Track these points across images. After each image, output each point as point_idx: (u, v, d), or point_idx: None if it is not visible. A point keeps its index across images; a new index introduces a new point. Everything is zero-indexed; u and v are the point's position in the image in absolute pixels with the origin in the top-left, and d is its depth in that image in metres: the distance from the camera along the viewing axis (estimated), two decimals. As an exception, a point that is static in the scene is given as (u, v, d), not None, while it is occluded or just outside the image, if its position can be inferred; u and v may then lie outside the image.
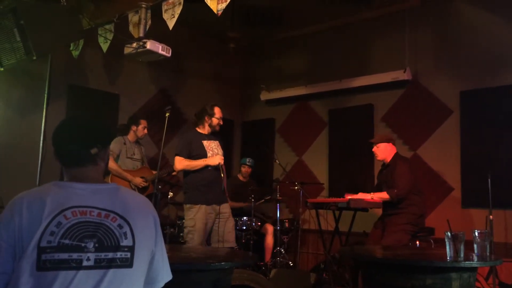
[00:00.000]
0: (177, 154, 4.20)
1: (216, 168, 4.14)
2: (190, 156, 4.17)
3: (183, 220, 5.23)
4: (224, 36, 6.40)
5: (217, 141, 4.35)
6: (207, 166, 4.13)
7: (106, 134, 1.63)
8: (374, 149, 4.44)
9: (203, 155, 4.17)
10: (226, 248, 4.07)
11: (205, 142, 4.24)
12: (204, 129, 4.31)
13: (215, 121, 4.28)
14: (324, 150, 6.18)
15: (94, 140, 1.53)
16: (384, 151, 4.38)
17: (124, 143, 4.95)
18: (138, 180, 4.86)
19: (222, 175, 4.12)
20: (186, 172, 4.21)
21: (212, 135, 4.34)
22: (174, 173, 5.12)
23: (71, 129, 1.56)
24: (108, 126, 1.67)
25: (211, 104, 4.34)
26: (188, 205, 4.12)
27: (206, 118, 4.28)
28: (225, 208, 4.21)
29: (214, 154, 4.21)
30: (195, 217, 4.04)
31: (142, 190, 4.86)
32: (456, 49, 5.15)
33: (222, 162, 4.16)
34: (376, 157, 4.47)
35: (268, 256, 5.54)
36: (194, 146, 4.19)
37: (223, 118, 4.41)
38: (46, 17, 3.43)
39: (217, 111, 4.30)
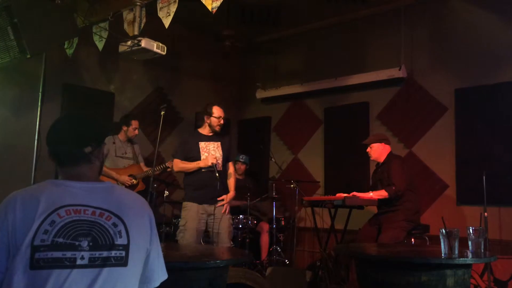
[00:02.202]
0: (173, 156, 4.25)
1: (210, 169, 4.08)
2: (186, 158, 4.17)
3: (179, 219, 5.26)
4: (219, 34, 6.38)
5: (219, 142, 4.27)
6: (201, 168, 4.11)
7: (100, 132, 1.62)
8: (368, 149, 4.49)
9: (197, 157, 4.14)
10: (222, 247, 4.07)
11: (202, 144, 4.20)
12: (205, 130, 4.27)
13: (214, 120, 4.21)
14: (320, 148, 6.19)
15: (88, 139, 1.52)
16: (376, 151, 4.44)
17: (114, 142, 4.94)
18: (125, 178, 4.86)
19: (216, 175, 4.05)
20: (184, 174, 4.24)
21: (214, 136, 4.27)
22: (169, 169, 5.12)
23: (65, 129, 1.55)
24: (102, 125, 1.66)
25: (210, 104, 4.28)
26: (183, 203, 4.18)
27: (205, 118, 4.24)
28: (219, 209, 4.15)
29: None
30: (186, 216, 4.08)
31: (130, 187, 4.85)
32: (451, 47, 5.17)
33: (215, 161, 4.08)
34: (370, 157, 4.53)
35: (264, 254, 5.55)
36: (189, 148, 4.18)
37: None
38: (41, 15, 3.40)
39: (216, 110, 4.22)
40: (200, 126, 4.33)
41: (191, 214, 4.06)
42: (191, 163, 4.14)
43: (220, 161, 4.19)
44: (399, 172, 4.20)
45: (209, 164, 4.06)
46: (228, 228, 4.20)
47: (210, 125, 4.23)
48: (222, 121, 4.25)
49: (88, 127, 1.59)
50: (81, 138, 1.52)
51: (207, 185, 4.09)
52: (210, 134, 4.26)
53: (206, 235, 4.31)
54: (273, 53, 6.83)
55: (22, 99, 4.75)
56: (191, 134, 4.35)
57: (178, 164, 4.19)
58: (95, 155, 1.54)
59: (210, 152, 4.18)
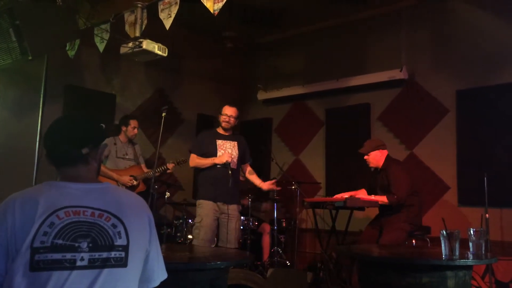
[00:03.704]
0: (190, 151, 4.36)
1: (225, 166, 4.19)
2: (202, 154, 4.28)
3: (180, 221, 5.26)
4: (221, 36, 6.40)
5: (235, 142, 4.39)
6: (216, 164, 4.20)
7: (98, 133, 1.61)
8: (366, 157, 4.46)
9: (213, 153, 4.25)
10: (223, 248, 4.08)
11: (219, 141, 4.32)
12: (221, 129, 4.39)
13: (221, 118, 4.33)
14: (321, 149, 6.18)
15: (85, 139, 1.52)
16: (375, 158, 4.40)
17: (115, 143, 4.96)
18: (126, 179, 4.87)
19: (229, 172, 4.15)
20: (199, 169, 4.33)
21: (231, 136, 4.41)
22: (169, 171, 5.14)
23: (62, 129, 1.55)
24: (100, 126, 1.64)
25: (224, 104, 4.44)
26: (197, 201, 4.27)
27: (218, 116, 4.38)
28: (231, 209, 4.21)
29: None
30: (202, 213, 4.15)
31: (131, 188, 4.85)
32: (452, 48, 5.16)
33: (230, 159, 4.19)
34: (369, 164, 4.47)
35: (265, 256, 5.54)
36: (206, 144, 4.30)
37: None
38: (42, 17, 3.41)
39: (225, 109, 4.36)
40: (217, 126, 4.44)
41: (206, 211, 4.14)
42: (206, 159, 4.24)
43: (235, 160, 4.30)
44: (399, 180, 4.14)
45: (224, 161, 4.17)
46: (236, 231, 4.26)
47: (220, 124, 4.36)
48: (232, 120, 4.35)
49: (85, 127, 1.58)
50: (78, 138, 1.52)
51: (219, 181, 4.17)
52: (227, 133, 4.38)
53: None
54: (274, 54, 6.84)
55: (23, 101, 4.77)
56: (208, 131, 4.45)
57: (194, 159, 4.30)
58: (92, 156, 1.54)
59: (227, 150, 4.29)
